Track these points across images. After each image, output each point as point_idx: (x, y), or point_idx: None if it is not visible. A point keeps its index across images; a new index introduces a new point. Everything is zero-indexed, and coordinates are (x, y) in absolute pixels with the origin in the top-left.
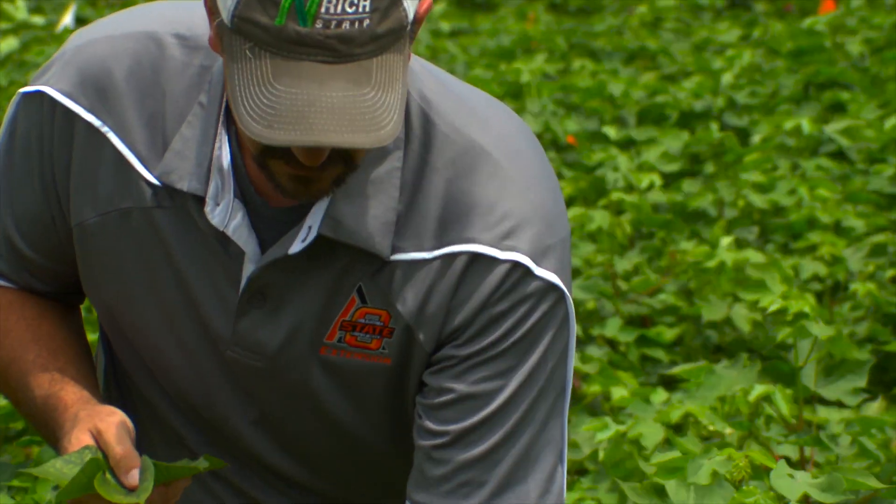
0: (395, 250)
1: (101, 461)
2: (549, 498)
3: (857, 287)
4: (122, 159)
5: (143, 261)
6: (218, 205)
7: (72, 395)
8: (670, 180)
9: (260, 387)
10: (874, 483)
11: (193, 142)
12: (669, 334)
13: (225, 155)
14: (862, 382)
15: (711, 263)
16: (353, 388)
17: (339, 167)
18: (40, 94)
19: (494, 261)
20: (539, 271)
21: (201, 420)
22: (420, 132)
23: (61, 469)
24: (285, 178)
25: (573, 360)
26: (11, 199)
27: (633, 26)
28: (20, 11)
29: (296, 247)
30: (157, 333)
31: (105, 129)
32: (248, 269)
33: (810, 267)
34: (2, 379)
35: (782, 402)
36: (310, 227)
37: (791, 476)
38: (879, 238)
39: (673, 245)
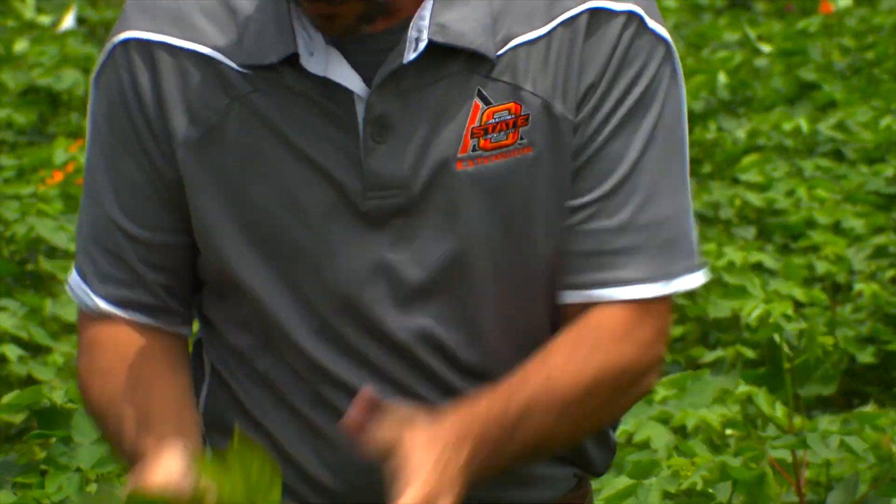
0: (507, 40)
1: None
2: (699, 257)
3: (863, 287)
4: (208, 62)
5: (255, 155)
6: (312, 55)
7: (148, 444)
8: None
9: (402, 237)
10: None
11: (267, 17)
12: (672, 332)
13: (303, 12)
14: (834, 374)
15: (720, 263)
16: (500, 200)
17: (358, 2)
18: (111, 56)
19: (612, 13)
20: (651, 23)
21: (346, 325)
22: None
23: None
24: (314, 17)
25: (687, 125)
26: (112, 181)
27: None
28: (29, 10)
29: (408, 56)
30: (290, 225)
31: (185, 43)
32: (361, 109)
33: (816, 267)
34: (101, 421)
35: (765, 403)
36: (416, 39)
37: None
38: (881, 239)
39: None
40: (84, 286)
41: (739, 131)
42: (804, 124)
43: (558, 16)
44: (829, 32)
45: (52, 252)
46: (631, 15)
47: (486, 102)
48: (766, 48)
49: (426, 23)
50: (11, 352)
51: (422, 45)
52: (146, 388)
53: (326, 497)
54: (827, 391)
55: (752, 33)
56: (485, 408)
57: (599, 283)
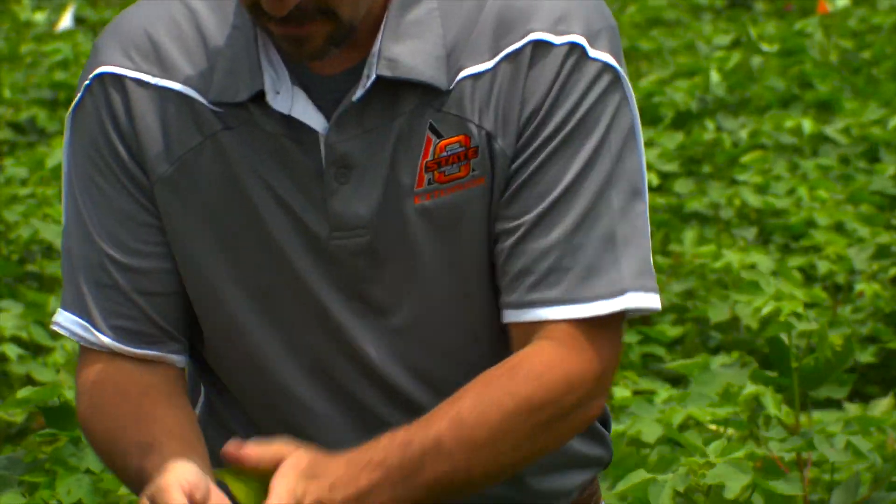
0: (456, 73)
1: None
2: (645, 280)
3: (864, 287)
4: (182, 99)
5: (229, 191)
6: (278, 93)
7: (154, 465)
8: (665, 179)
9: (368, 276)
10: None
11: (238, 55)
12: (672, 332)
13: (270, 48)
14: (848, 378)
15: (718, 265)
16: (455, 233)
17: (325, 23)
18: (88, 91)
19: (552, 46)
20: (593, 52)
21: (326, 361)
22: None
23: None
24: (280, 40)
25: (643, 157)
26: (98, 215)
27: (628, 25)
28: (25, 10)
29: (358, 93)
30: (268, 261)
31: (158, 80)
32: (325, 151)
33: (817, 267)
34: (108, 457)
35: (772, 403)
36: (367, 76)
37: None
38: (884, 239)
39: (672, 245)
40: (85, 323)
41: (742, 132)
42: (807, 124)
43: (503, 49)
44: (828, 32)
45: (51, 253)
46: (573, 46)
47: (438, 135)
48: (767, 48)
49: (375, 59)
50: (11, 351)
51: (369, 82)
52: (148, 421)
53: None
54: (840, 394)
55: (752, 32)
56: (385, 441)
57: (527, 303)
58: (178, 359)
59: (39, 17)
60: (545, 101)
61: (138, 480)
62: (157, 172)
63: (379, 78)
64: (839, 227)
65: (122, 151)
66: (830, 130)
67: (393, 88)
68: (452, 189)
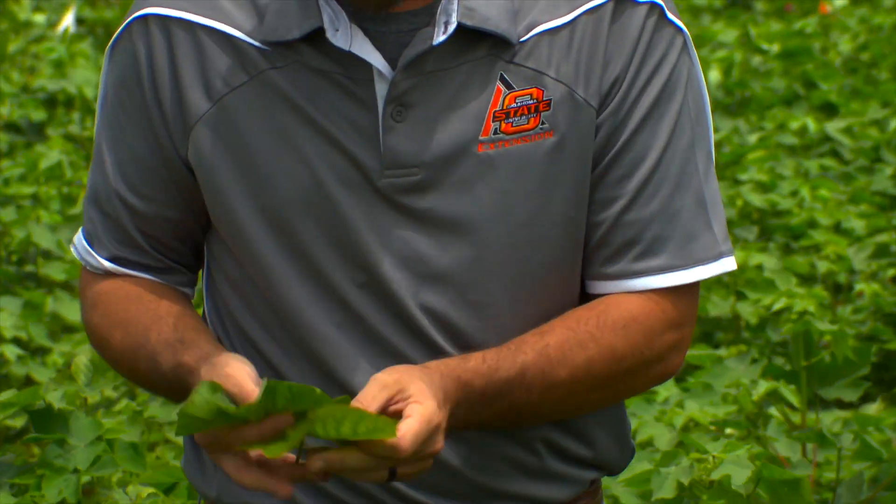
0: (531, 27)
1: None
2: (729, 243)
3: (863, 287)
4: (227, 39)
5: (272, 131)
6: (337, 31)
7: (194, 357)
8: None
9: (414, 217)
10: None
11: None
12: None
13: None
14: (865, 371)
15: None
16: (518, 183)
17: None
18: (127, 29)
19: (635, 4)
20: (670, 15)
21: (363, 304)
22: None
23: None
24: None
25: (711, 120)
26: (116, 151)
27: None
28: (24, 10)
29: (438, 38)
30: (308, 201)
31: (204, 19)
32: (381, 88)
33: (817, 266)
34: (132, 367)
35: (790, 395)
36: (445, 23)
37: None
38: (883, 238)
39: None
40: (88, 246)
41: (745, 132)
42: (811, 124)
43: (582, 4)
44: (828, 32)
45: (48, 254)
46: (653, 6)
47: (508, 87)
48: (768, 47)
49: (455, 6)
50: (10, 352)
51: (451, 28)
52: (172, 321)
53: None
54: (852, 397)
55: (753, 32)
56: (474, 363)
57: (633, 273)
58: (184, 289)
59: (39, 18)
60: (631, 63)
61: (175, 378)
62: (198, 112)
63: (459, 26)
64: (839, 228)
65: (151, 95)
66: (833, 130)
67: (465, 37)
68: (518, 141)
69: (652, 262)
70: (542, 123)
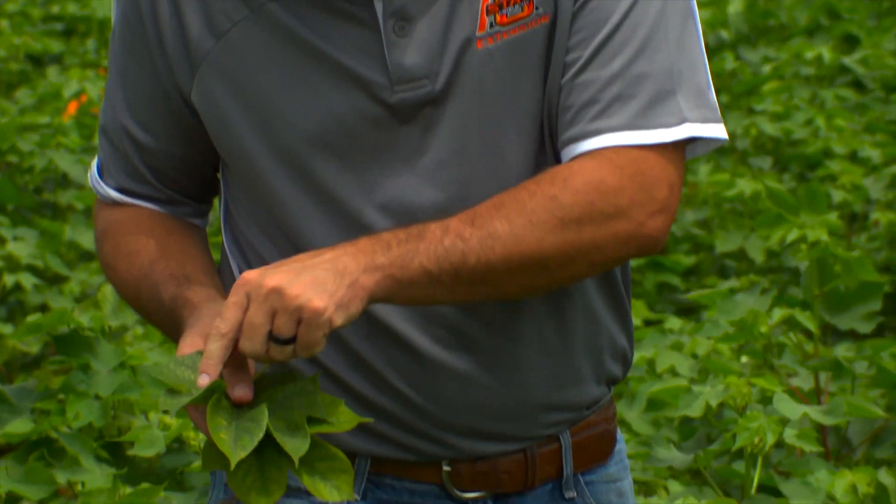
0: None
1: (221, 383)
2: (704, 112)
3: (879, 216)
4: None
5: (277, 63)
6: None
7: (198, 294)
8: None
9: (428, 129)
10: (876, 411)
11: None
12: (686, 261)
13: None
14: (877, 307)
15: (731, 193)
16: (523, 69)
17: None
18: None
19: None
20: None
21: (361, 218)
22: None
23: (174, 371)
24: None
25: None
26: (123, 87)
27: None
28: None
29: None
30: (319, 130)
31: None
32: (379, 8)
33: (833, 196)
34: (135, 296)
35: (806, 321)
36: None
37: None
38: None
39: (688, 175)
40: (98, 176)
41: (761, 62)
42: (826, 54)
43: None
44: None
45: (66, 182)
46: None
47: None
48: None
49: None
50: (27, 280)
51: None
52: (178, 256)
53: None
54: (865, 328)
55: None
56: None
57: (588, 133)
58: (194, 220)
59: None
60: None
61: (172, 309)
62: (202, 50)
63: None
64: (854, 157)
65: (153, 34)
66: (849, 61)
67: None
68: (515, 30)
69: (610, 121)
70: (537, 8)
